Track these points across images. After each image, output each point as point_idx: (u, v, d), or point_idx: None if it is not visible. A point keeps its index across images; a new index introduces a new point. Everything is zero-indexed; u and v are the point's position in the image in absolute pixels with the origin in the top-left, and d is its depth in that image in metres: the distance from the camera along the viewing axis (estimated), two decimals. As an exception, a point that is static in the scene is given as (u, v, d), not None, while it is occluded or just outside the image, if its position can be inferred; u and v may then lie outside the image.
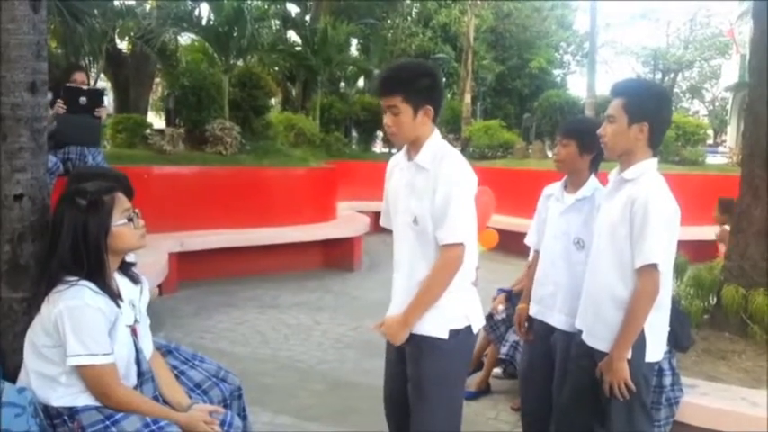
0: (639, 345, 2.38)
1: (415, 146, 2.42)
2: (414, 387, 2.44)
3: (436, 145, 2.40)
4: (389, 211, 2.58)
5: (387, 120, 2.36)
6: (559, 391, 2.77)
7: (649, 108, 2.43)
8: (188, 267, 6.94)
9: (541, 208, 3.11)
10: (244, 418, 2.50)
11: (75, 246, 2.08)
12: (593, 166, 2.91)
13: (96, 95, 4.14)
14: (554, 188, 3.04)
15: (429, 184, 2.33)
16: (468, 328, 2.42)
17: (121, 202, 2.19)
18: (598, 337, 2.48)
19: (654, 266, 2.31)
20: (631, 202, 2.36)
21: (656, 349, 2.45)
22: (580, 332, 2.61)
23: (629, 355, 2.37)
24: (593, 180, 2.90)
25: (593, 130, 2.62)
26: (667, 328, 2.57)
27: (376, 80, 2.51)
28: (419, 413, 2.44)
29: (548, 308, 2.93)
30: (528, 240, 3.22)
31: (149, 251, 5.94)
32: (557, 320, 2.86)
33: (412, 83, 2.33)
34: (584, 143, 2.82)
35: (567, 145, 2.90)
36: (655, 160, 2.49)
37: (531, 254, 3.29)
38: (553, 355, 2.86)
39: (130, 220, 2.19)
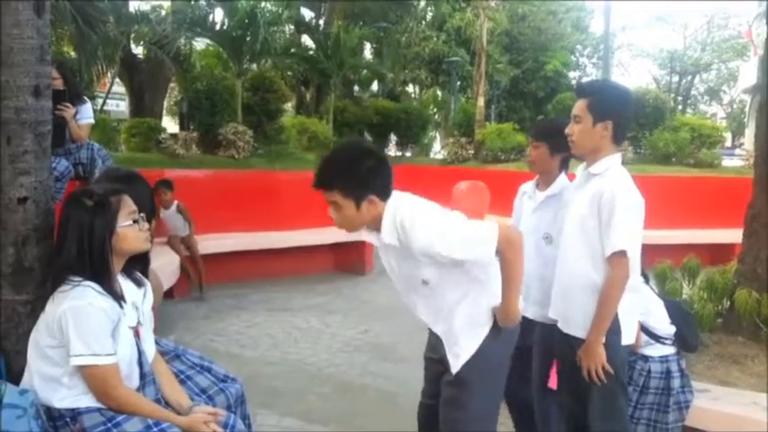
0: (615, 329, 2.49)
1: (374, 226, 2.27)
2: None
3: (390, 216, 2.19)
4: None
5: (330, 213, 2.21)
6: (538, 378, 2.93)
7: (612, 107, 2.56)
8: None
9: (517, 204, 3.29)
10: (248, 426, 2.49)
11: (80, 245, 2.09)
12: (563, 165, 3.06)
13: (56, 95, 3.89)
14: (528, 186, 3.21)
15: (409, 252, 2.20)
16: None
17: (127, 204, 2.21)
18: (574, 324, 2.58)
19: (623, 253, 2.43)
20: (599, 195, 2.49)
21: (629, 332, 2.56)
22: (556, 322, 2.69)
23: (605, 339, 2.47)
24: (562, 178, 3.04)
25: (563, 132, 2.69)
26: (639, 310, 2.71)
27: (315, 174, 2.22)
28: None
29: (521, 299, 3.02)
30: None
31: (162, 254, 5.99)
32: (530, 312, 2.95)
33: (347, 175, 2.15)
34: (554, 144, 2.95)
35: (537, 147, 3.05)
36: (619, 155, 2.61)
37: None
38: (528, 342, 2.95)
39: (135, 222, 2.21)
